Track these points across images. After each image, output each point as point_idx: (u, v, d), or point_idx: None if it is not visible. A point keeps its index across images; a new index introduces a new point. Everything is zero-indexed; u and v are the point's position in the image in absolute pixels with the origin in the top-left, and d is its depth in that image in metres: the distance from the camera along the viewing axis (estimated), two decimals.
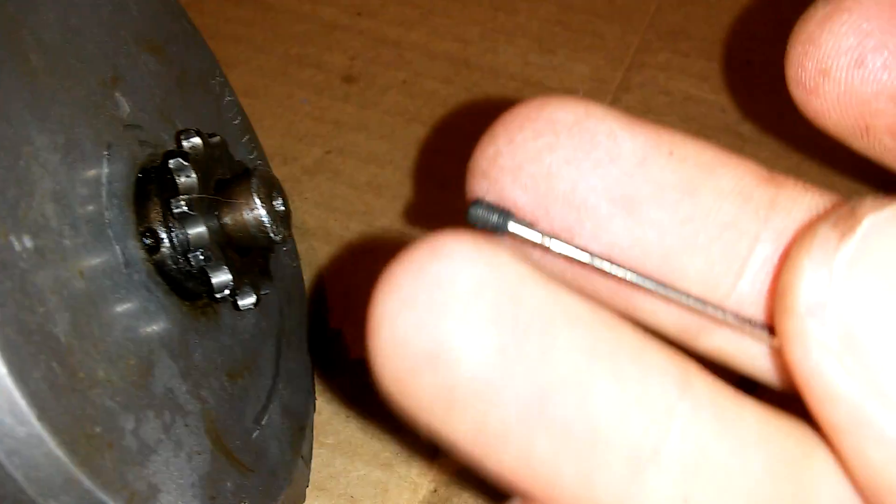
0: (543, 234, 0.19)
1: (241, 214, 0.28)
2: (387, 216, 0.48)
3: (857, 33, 0.20)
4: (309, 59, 0.57)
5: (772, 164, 0.56)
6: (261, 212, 0.28)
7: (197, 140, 0.28)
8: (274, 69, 0.56)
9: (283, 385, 0.36)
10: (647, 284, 0.19)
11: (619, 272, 0.19)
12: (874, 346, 0.16)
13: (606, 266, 0.19)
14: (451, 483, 0.39)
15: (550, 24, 0.59)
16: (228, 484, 0.29)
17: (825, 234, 0.17)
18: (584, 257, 0.19)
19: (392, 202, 0.49)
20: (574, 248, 0.19)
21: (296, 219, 0.49)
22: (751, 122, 0.52)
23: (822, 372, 0.16)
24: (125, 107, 0.27)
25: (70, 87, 0.25)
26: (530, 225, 0.19)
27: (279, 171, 0.51)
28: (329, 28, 0.59)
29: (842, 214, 0.17)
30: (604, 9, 0.60)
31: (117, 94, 0.27)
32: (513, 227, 0.19)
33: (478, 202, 0.19)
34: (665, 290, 0.19)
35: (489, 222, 0.19)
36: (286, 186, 0.50)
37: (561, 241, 0.19)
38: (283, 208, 0.29)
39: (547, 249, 0.19)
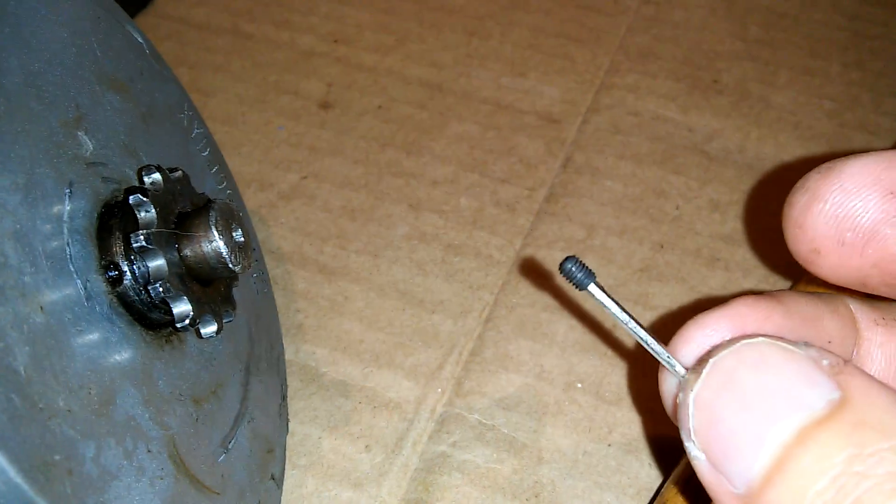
0: (613, 301, 0.25)
1: (200, 246, 0.29)
2: (360, 240, 0.49)
3: (834, 219, 0.25)
4: (286, 86, 0.58)
5: (736, 183, 0.56)
6: (219, 244, 0.29)
7: (157, 175, 0.29)
8: (252, 97, 0.58)
9: (251, 408, 0.37)
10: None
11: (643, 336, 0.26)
12: (722, 447, 0.23)
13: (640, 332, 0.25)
14: (420, 502, 0.40)
15: (522, 47, 0.60)
16: None
17: (687, 380, 0.24)
18: (636, 330, 0.25)
19: (366, 226, 0.50)
20: (627, 316, 0.25)
21: (271, 244, 0.50)
22: (717, 142, 0.53)
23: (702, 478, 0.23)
24: (88, 145, 0.28)
25: (31, 129, 0.26)
26: (605, 290, 0.25)
27: (256, 198, 0.52)
28: (306, 55, 0.60)
29: (698, 365, 0.24)
30: (575, 32, 0.61)
31: (80, 133, 0.28)
32: (592, 288, 0.25)
33: (570, 258, 0.25)
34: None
35: (575, 277, 0.25)
36: (262, 212, 0.52)
37: (623, 309, 0.25)
38: (241, 239, 0.30)
39: (611, 314, 0.25)
